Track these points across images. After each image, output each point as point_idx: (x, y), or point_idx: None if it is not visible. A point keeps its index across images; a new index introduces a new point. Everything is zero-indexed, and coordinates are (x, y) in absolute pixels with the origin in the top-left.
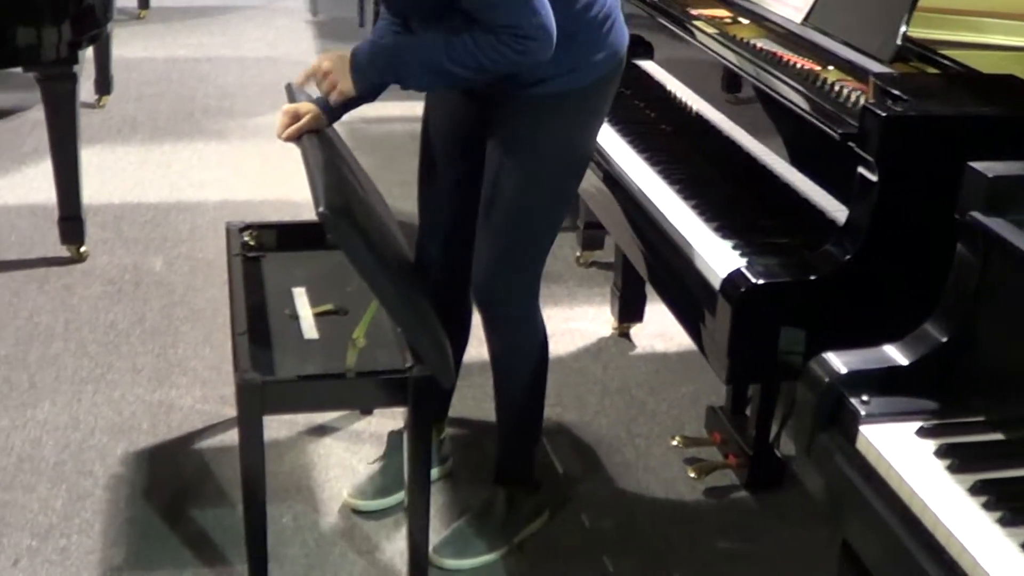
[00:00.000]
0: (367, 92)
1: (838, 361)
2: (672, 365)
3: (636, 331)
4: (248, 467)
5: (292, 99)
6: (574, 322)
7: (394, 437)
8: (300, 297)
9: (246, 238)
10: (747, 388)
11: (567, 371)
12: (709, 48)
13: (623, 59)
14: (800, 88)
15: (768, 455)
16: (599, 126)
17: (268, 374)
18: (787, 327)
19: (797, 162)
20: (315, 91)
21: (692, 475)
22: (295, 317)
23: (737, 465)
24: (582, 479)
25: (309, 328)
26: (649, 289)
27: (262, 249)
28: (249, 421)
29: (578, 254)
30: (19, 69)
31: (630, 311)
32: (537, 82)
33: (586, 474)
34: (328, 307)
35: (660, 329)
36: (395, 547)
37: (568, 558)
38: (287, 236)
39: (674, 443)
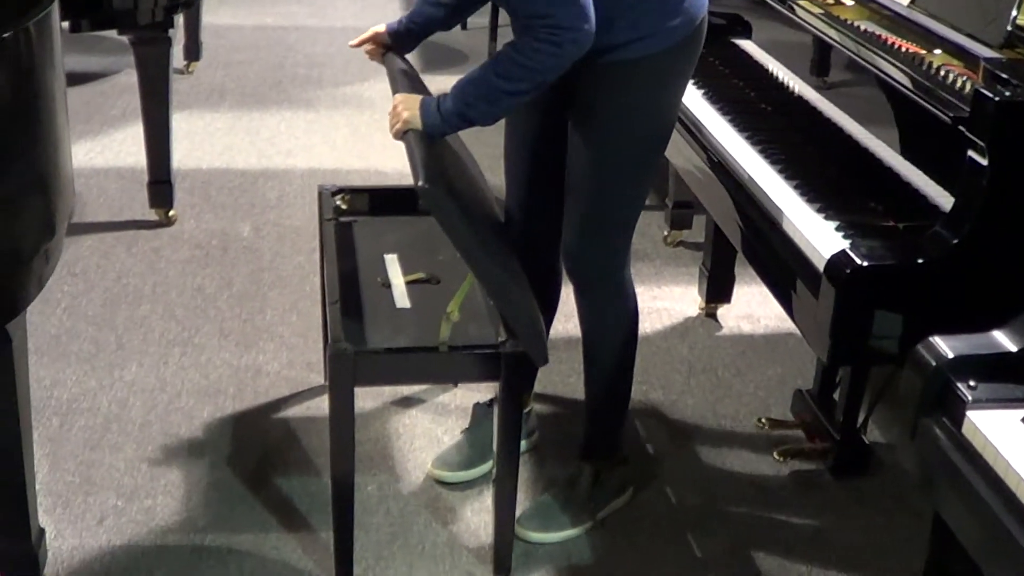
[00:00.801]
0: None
1: (945, 345)
2: (759, 347)
3: (723, 312)
4: (338, 437)
5: (391, 71)
6: (661, 301)
7: (480, 409)
8: (392, 264)
9: (338, 202)
10: (836, 372)
11: (654, 350)
12: (813, 28)
13: (701, 26)
14: (909, 71)
15: (854, 440)
16: (680, 93)
17: (360, 345)
18: (889, 310)
19: (900, 145)
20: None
21: (777, 457)
22: (387, 285)
23: (823, 449)
24: (667, 458)
25: (401, 296)
26: (737, 270)
27: (354, 214)
28: (340, 391)
29: (666, 233)
30: (112, 32)
31: (718, 292)
32: (613, 48)
33: (671, 453)
34: (420, 275)
35: (747, 311)
36: (479, 519)
37: (651, 535)
38: (379, 201)
39: (760, 425)
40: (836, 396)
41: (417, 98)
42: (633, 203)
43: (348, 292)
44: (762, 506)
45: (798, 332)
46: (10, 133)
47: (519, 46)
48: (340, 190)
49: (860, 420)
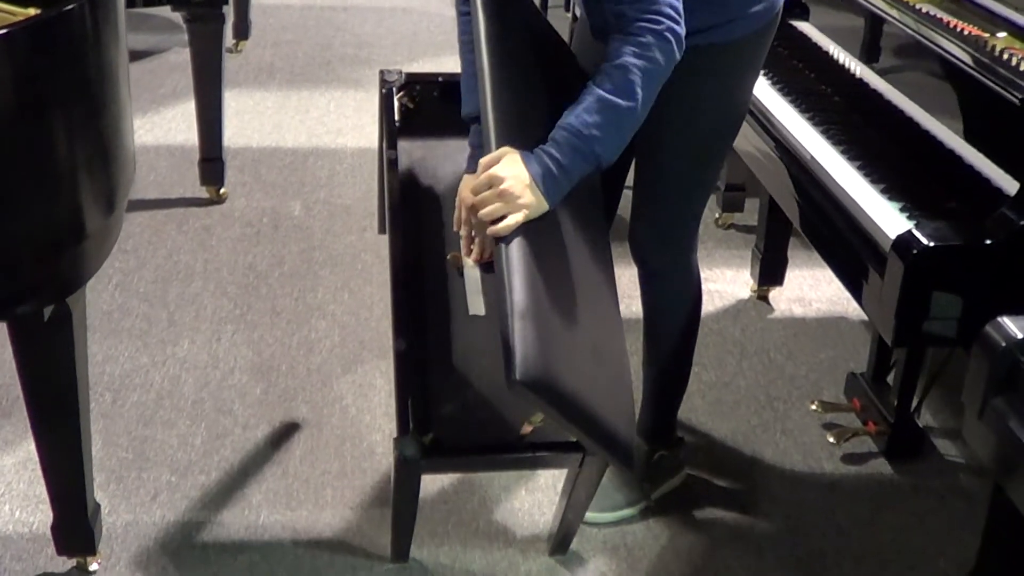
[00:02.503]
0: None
1: (1015, 326)
2: (811, 330)
3: (775, 295)
4: (399, 513)
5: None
6: (712, 283)
7: None
8: None
9: (404, 100)
10: (890, 355)
11: (706, 331)
12: (873, 8)
13: (779, 11)
14: (973, 52)
15: (908, 424)
16: (755, 80)
17: (426, 433)
18: (955, 291)
19: (961, 128)
20: None
21: (831, 440)
22: (460, 269)
23: (876, 433)
24: (720, 439)
25: (474, 291)
26: (790, 253)
27: (421, 110)
28: (406, 484)
29: (717, 216)
30: (161, 10)
31: (770, 274)
32: (694, 33)
33: (724, 434)
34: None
35: (799, 294)
36: (532, 499)
37: (704, 516)
38: (453, 90)
39: (813, 408)
40: (890, 380)
41: (521, 164)
42: (704, 189)
43: (413, 294)
44: (816, 488)
45: (849, 315)
46: (74, 105)
47: (624, 53)
48: (407, 83)
49: (914, 404)
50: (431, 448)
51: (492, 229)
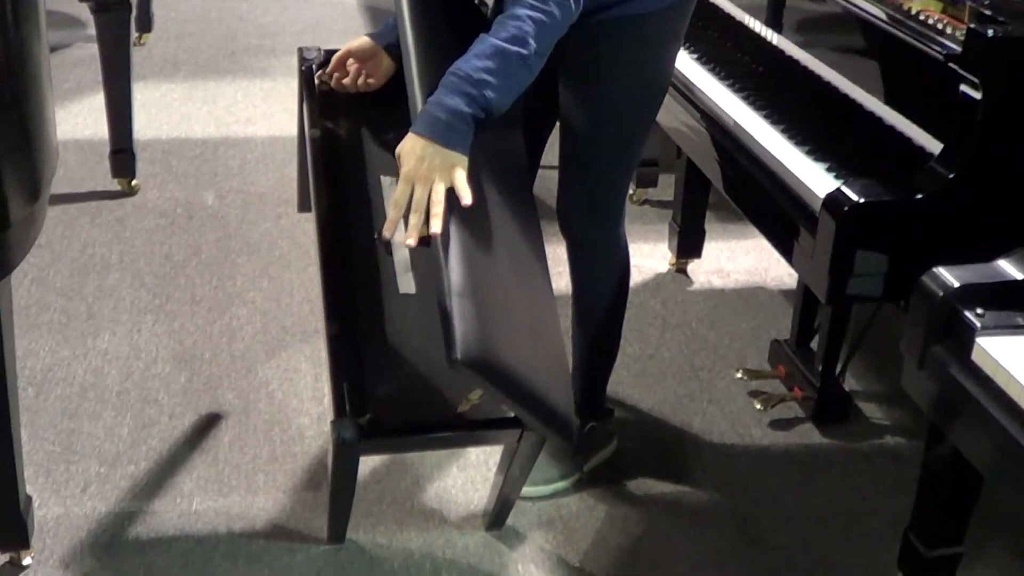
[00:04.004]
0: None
1: (950, 275)
2: (730, 301)
3: (693, 267)
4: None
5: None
6: (631, 257)
7: None
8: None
9: (325, 79)
10: (813, 321)
11: (627, 305)
12: None
13: None
14: (894, 14)
15: (834, 388)
16: (676, 51)
17: (362, 414)
18: (887, 246)
19: (880, 89)
20: None
21: (758, 407)
22: (388, 247)
23: (803, 398)
24: (647, 410)
25: (404, 270)
26: (706, 226)
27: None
28: (344, 467)
29: (631, 192)
30: (61, 6)
31: (688, 247)
32: (613, 5)
33: (651, 405)
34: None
35: (717, 265)
36: (465, 475)
37: (636, 487)
38: None
39: (738, 376)
40: (813, 345)
41: (413, 139)
42: (630, 161)
43: (343, 276)
44: (745, 455)
45: (768, 285)
46: None
47: (520, 5)
48: (326, 60)
49: (839, 368)
50: (369, 430)
51: (433, 213)
